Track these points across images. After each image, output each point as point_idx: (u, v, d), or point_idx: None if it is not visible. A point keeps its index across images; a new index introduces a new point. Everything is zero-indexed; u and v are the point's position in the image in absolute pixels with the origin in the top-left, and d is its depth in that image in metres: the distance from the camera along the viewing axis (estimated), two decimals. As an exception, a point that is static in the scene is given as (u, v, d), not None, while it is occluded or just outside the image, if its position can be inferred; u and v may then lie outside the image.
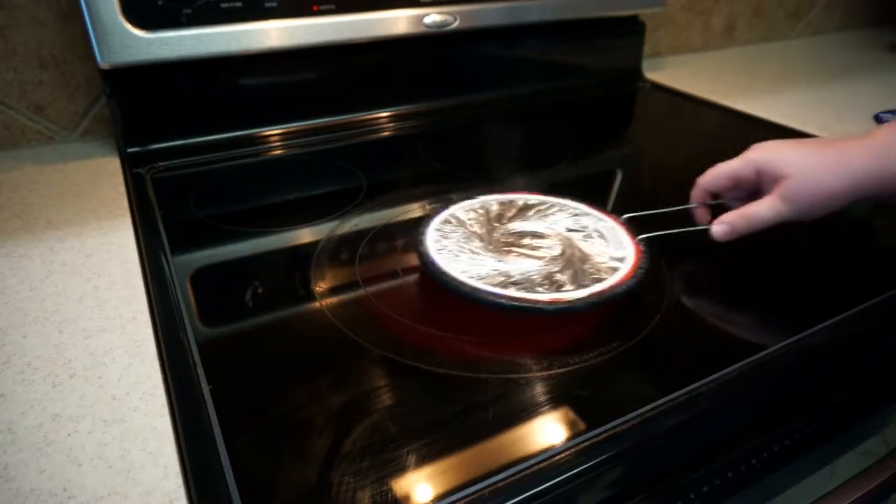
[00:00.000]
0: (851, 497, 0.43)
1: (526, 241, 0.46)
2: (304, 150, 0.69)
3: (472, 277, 0.41)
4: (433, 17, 0.70)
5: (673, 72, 0.98)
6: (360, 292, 0.44)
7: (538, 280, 0.41)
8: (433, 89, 0.78)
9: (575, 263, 0.43)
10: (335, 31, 0.66)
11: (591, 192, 0.57)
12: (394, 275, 0.46)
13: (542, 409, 0.34)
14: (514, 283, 0.40)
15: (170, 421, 0.33)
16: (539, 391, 0.35)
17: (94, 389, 0.35)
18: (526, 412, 0.33)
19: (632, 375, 0.37)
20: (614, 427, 0.32)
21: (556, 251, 0.44)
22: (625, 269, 0.42)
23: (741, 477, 0.37)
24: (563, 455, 0.31)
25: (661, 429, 0.33)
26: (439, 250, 0.44)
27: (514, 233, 0.47)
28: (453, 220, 0.48)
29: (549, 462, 0.30)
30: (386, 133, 0.74)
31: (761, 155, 0.45)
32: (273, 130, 0.70)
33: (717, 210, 0.47)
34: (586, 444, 0.31)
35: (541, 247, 0.45)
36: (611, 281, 0.41)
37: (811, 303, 0.44)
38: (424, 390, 0.36)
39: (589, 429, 0.32)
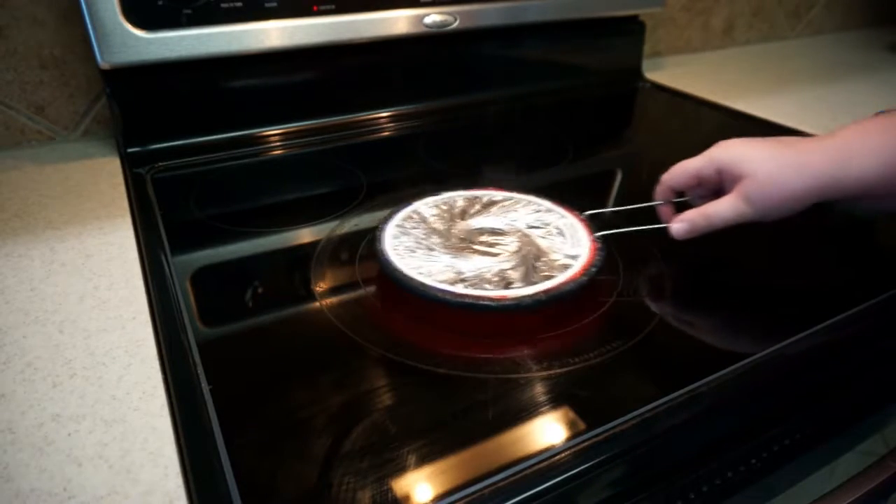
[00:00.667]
0: (851, 497, 0.43)
1: (484, 237, 0.45)
2: (304, 150, 0.69)
3: (422, 274, 0.41)
4: (433, 17, 0.70)
5: (673, 72, 0.98)
6: (360, 292, 0.44)
7: (489, 277, 0.41)
8: (433, 89, 0.78)
9: (529, 261, 0.43)
10: (335, 31, 0.66)
11: (591, 192, 0.57)
12: (394, 275, 0.46)
13: (542, 409, 0.34)
14: (465, 280, 0.40)
15: (170, 421, 0.33)
16: (539, 391, 0.35)
17: (94, 389, 0.35)
18: (526, 412, 0.33)
19: (632, 375, 0.37)
20: (614, 427, 0.32)
21: (513, 248, 0.44)
22: (577, 266, 0.42)
23: (741, 477, 0.37)
24: (563, 455, 0.31)
25: (661, 429, 0.33)
26: (395, 247, 0.44)
27: (474, 229, 0.46)
28: (415, 216, 0.48)
29: (549, 462, 0.30)
30: (386, 133, 0.74)
31: (723, 154, 0.44)
32: (273, 130, 0.70)
33: (681, 207, 0.46)
34: (586, 444, 0.31)
35: (498, 243, 0.45)
36: (560, 278, 0.40)
37: (811, 303, 0.44)
38: (424, 390, 0.36)
39: (589, 429, 0.32)
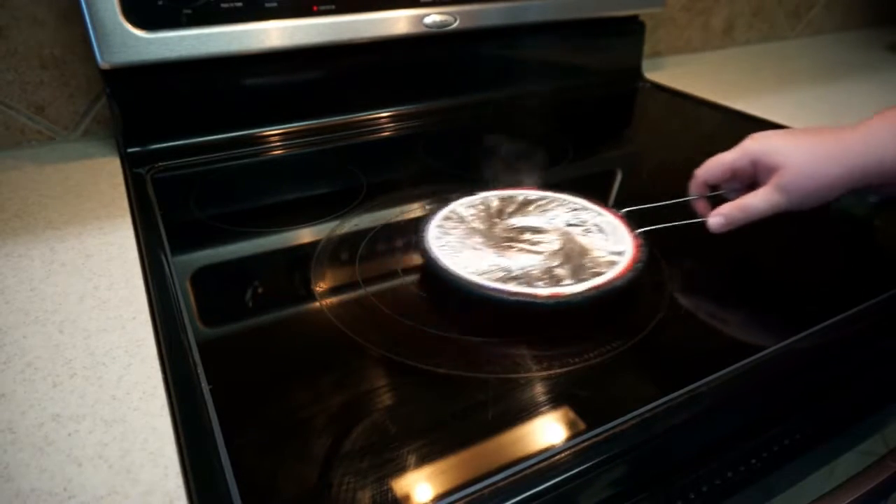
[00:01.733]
0: (851, 497, 0.43)
1: (526, 236, 0.46)
2: (304, 150, 0.69)
3: (472, 273, 0.41)
4: (433, 17, 0.70)
5: (673, 72, 0.98)
6: (360, 292, 0.44)
7: (537, 275, 0.41)
8: (433, 89, 0.78)
9: (574, 258, 0.43)
10: (335, 31, 0.66)
11: (592, 191, 0.57)
12: (394, 275, 0.46)
13: (542, 409, 0.34)
14: (514, 278, 0.41)
15: (170, 421, 0.33)
16: (539, 391, 0.35)
17: (94, 389, 0.35)
18: (526, 412, 0.33)
19: (632, 375, 0.37)
20: (614, 427, 0.32)
21: (556, 246, 0.44)
22: (623, 262, 0.42)
23: (741, 477, 0.37)
24: (563, 455, 0.31)
25: (661, 429, 0.33)
26: (441, 246, 0.44)
27: (515, 228, 0.47)
28: (454, 217, 0.48)
29: (549, 462, 0.30)
30: (386, 133, 0.74)
31: (757, 146, 0.45)
32: (273, 130, 0.70)
33: (716, 202, 0.47)
34: (586, 444, 0.31)
35: (541, 241, 0.45)
36: (609, 275, 0.41)
37: (811, 302, 0.44)
38: (424, 390, 0.36)
39: (589, 429, 0.32)
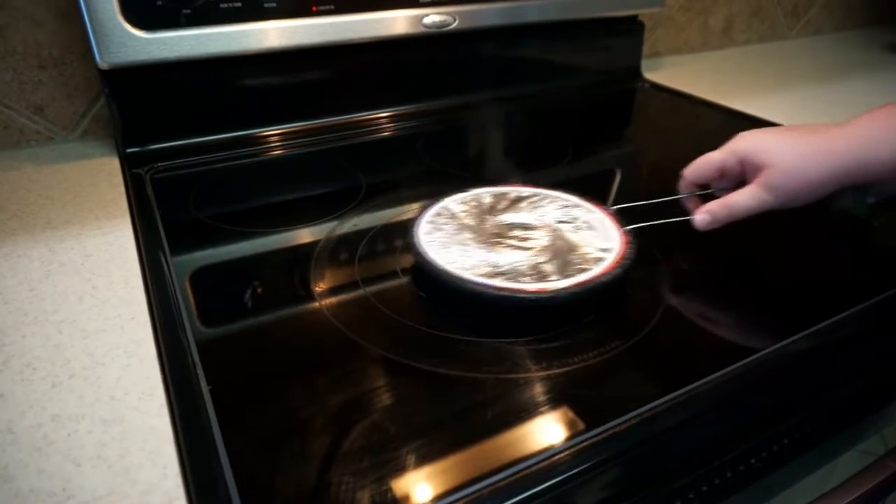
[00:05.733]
0: (850, 496, 0.43)
1: (515, 232, 0.46)
2: (304, 150, 0.69)
3: (459, 268, 0.41)
4: (433, 17, 0.70)
5: (672, 72, 0.98)
6: (360, 292, 0.44)
7: (524, 270, 0.41)
8: (433, 89, 0.78)
9: (562, 254, 0.43)
10: (335, 31, 0.66)
11: (591, 190, 0.57)
12: (393, 275, 0.46)
13: (542, 409, 0.34)
14: (501, 274, 0.41)
15: (169, 421, 0.33)
16: (539, 391, 0.35)
17: (93, 389, 0.35)
18: (526, 412, 0.33)
19: (631, 375, 0.37)
20: (614, 427, 0.32)
21: (545, 242, 0.45)
22: (610, 259, 0.42)
23: (741, 477, 0.37)
24: (562, 455, 0.31)
25: (660, 429, 0.33)
26: (429, 242, 0.44)
27: (505, 224, 0.47)
28: (445, 213, 0.48)
29: (548, 462, 0.30)
30: (385, 133, 0.74)
31: (744, 144, 0.45)
32: (273, 130, 0.70)
33: (707, 200, 0.46)
34: (586, 444, 0.31)
35: (530, 238, 0.45)
36: (595, 271, 0.41)
37: (811, 302, 0.44)
38: (424, 390, 0.36)
39: (588, 429, 0.32)
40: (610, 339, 0.38)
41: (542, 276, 0.41)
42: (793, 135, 0.44)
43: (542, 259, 0.43)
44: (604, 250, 0.43)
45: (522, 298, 0.39)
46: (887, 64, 1.04)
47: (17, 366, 0.37)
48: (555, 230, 0.46)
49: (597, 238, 0.45)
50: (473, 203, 0.50)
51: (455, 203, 0.50)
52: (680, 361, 0.39)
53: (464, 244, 0.44)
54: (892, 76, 0.97)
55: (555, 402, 0.34)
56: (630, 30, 0.91)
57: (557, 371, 0.36)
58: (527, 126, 0.79)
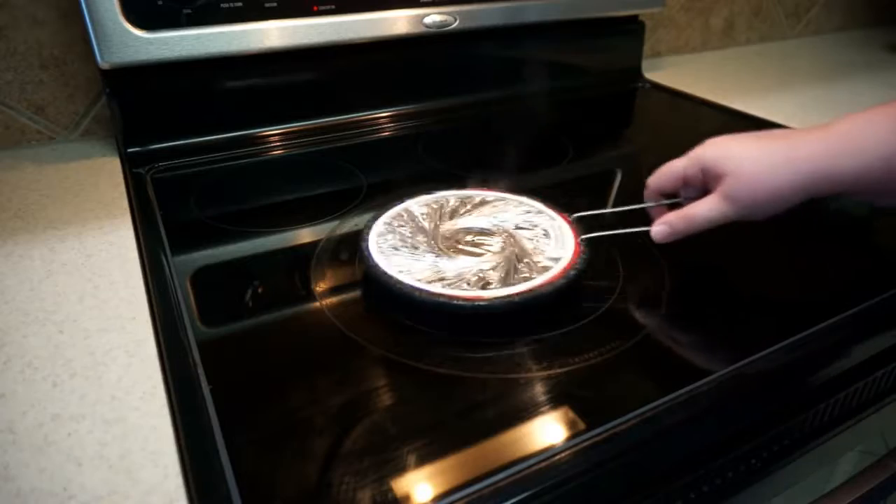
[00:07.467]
0: (851, 497, 0.43)
1: (470, 237, 0.45)
2: (304, 150, 0.69)
3: (402, 272, 0.41)
4: (433, 17, 0.70)
5: (672, 72, 0.98)
6: (360, 292, 0.44)
7: (468, 277, 0.41)
8: (433, 89, 0.78)
9: (511, 262, 0.42)
10: (335, 31, 0.66)
11: (591, 192, 0.57)
12: (394, 275, 0.46)
13: (542, 409, 0.34)
14: (444, 280, 0.40)
15: (170, 421, 0.33)
16: (539, 391, 0.35)
17: (94, 389, 0.35)
18: (526, 412, 0.33)
19: (632, 375, 0.37)
20: (614, 427, 0.32)
21: (496, 248, 0.44)
22: (556, 269, 0.41)
23: (741, 477, 0.37)
24: (563, 455, 0.31)
25: (661, 429, 0.33)
26: (380, 244, 0.44)
27: (460, 229, 0.46)
28: (405, 215, 0.48)
29: (549, 462, 0.30)
30: (386, 133, 0.74)
31: (708, 152, 0.42)
32: (273, 130, 0.70)
33: (675, 208, 0.46)
34: (586, 444, 0.31)
35: (483, 243, 0.45)
36: (537, 281, 0.40)
37: (810, 303, 0.44)
38: (424, 390, 0.36)
39: (589, 429, 0.32)
40: (611, 340, 0.38)
41: (484, 284, 0.40)
42: (758, 142, 0.41)
43: (488, 266, 0.42)
44: (554, 259, 0.42)
45: (455, 305, 0.38)
46: (888, 64, 1.04)
47: (18, 365, 0.37)
48: (510, 236, 0.45)
49: (550, 246, 0.44)
50: (436, 206, 0.49)
51: (418, 205, 0.49)
52: (681, 361, 0.39)
53: (415, 248, 0.44)
54: (893, 76, 0.97)
55: (555, 401, 0.34)
56: (631, 30, 0.91)
57: (558, 371, 0.36)
58: (527, 126, 0.79)
